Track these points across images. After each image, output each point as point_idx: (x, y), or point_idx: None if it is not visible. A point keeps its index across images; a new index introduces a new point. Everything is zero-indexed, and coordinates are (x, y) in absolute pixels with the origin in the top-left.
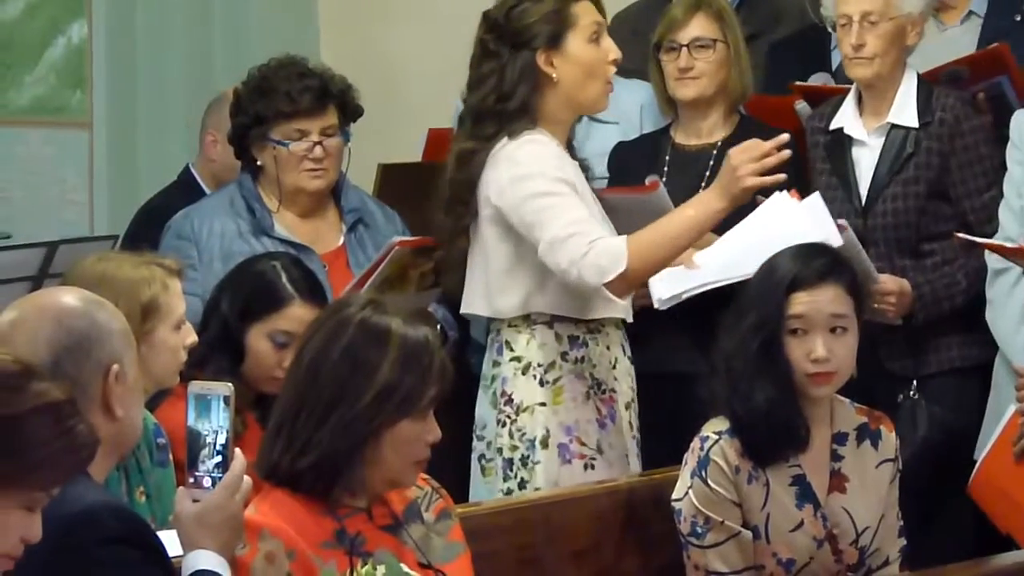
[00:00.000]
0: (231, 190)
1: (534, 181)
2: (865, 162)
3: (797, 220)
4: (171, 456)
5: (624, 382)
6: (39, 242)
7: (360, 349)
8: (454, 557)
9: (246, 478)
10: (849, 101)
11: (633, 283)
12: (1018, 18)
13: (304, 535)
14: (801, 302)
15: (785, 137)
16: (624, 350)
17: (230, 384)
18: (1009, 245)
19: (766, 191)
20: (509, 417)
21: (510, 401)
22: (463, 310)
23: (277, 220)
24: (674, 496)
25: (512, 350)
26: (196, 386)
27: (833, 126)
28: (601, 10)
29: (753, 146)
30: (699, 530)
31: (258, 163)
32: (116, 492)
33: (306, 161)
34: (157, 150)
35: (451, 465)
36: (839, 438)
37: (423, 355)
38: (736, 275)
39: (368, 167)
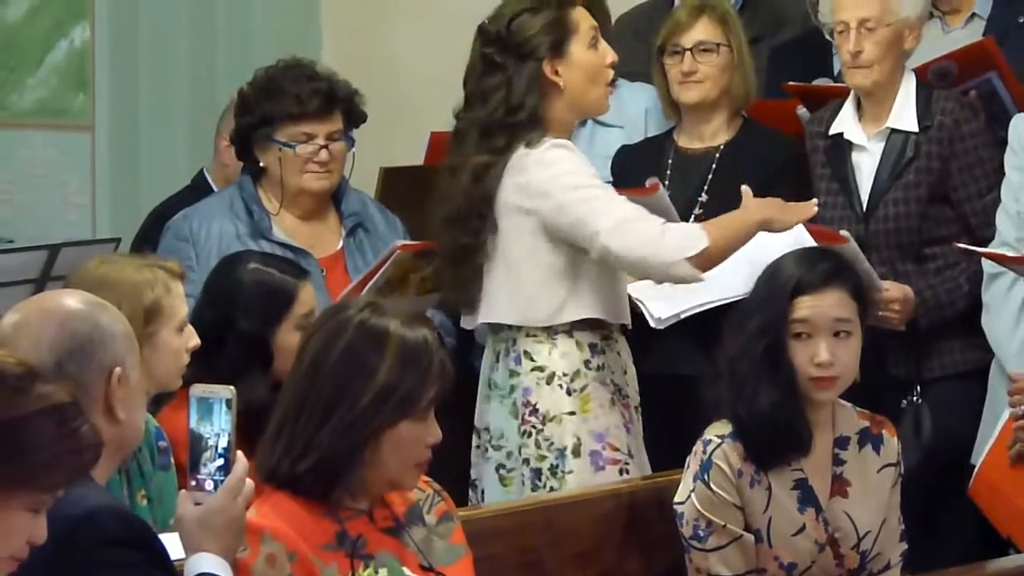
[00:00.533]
0: (231, 191)
1: (574, 176)
2: (865, 167)
3: (794, 240)
4: (172, 459)
5: (632, 386)
6: (42, 244)
7: (359, 350)
8: (456, 560)
9: (248, 481)
10: (848, 106)
11: (712, 261)
12: (1021, 20)
13: (305, 537)
14: (805, 306)
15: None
16: (630, 355)
17: (232, 387)
18: (1011, 254)
19: None
20: (535, 427)
21: (535, 411)
22: (482, 319)
23: (276, 223)
24: (676, 499)
25: (533, 360)
26: (198, 389)
27: (832, 131)
28: (595, 14)
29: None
30: (701, 533)
31: (261, 164)
32: (117, 495)
33: (311, 164)
34: (159, 153)
35: (452, 467)
36: (841, 442)
37: (422, 356)
38: (733, 294)
39: (370, 170)
